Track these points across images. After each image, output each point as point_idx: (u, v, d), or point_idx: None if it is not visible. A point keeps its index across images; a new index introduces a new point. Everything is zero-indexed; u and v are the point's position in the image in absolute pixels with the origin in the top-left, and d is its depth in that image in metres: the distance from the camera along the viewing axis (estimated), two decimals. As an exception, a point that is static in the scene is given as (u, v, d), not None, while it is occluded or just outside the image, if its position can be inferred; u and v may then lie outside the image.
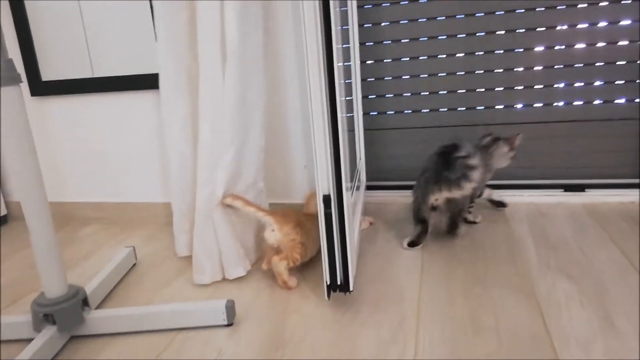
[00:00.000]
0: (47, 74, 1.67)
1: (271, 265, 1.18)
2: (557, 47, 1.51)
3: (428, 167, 1.30)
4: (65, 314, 0.98)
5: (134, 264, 1.38)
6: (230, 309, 1.03)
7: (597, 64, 1.50)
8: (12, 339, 1.02)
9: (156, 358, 0.94)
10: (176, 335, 1.02)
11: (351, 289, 1.05)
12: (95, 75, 1.63)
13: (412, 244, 1.32)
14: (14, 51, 1.65)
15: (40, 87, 1.69)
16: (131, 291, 1.23)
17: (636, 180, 1.55)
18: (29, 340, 0.94)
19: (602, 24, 1.47)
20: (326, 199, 0.99)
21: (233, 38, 1.15)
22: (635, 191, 1.53)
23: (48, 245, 0.97)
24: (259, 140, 1.28)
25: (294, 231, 1.17)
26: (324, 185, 0.99)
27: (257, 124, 1.27)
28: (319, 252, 1.30)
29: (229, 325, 1.03)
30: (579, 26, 1.48)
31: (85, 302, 1.03)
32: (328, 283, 1.06)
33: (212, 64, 1.17)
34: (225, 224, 1.22)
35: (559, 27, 1.49)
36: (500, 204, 1.54)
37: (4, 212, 1.80)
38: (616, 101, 1.52)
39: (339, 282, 1.05)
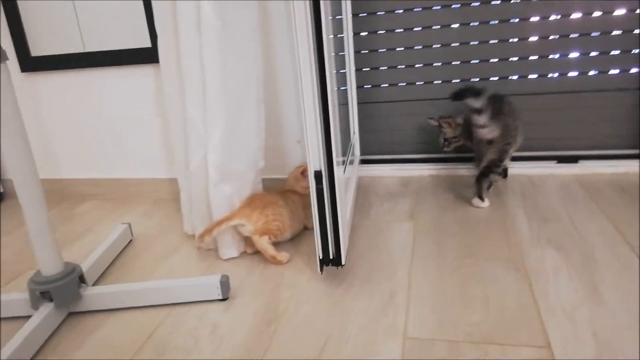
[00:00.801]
0: (37, 49, 1.64)
1: (255, 246, 1.20)
2: (552, 17, 1.49)
3: None
4: (62, 291, 0.99)
5: (130, 240, 1.39)
6: (225, 284, 1.05)
7: (593, 34, 1.48)
8: (11, 316, 1.04)
9: (152, 333, 0.97)
10: (172, 310, 1.04)
11: (343, 262, 1.06)
12: (87, 50, 1.60)
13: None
14: (1, 26, 1.62)
15: (30, 63, 1.66)
16: (128, 267, 1.25)
17: (633, 151, 1.56)
18: (27, 317, 0.96)
19: (599, -8, 1.44)
20: (317, 175, 1.00)
21: (208, 10, 1.11)
22: (627, 162, 1.53)
23: (41, 223, 0.97)
24: (256, 119, 1.25)
25: (262, 215, 1.19)
26: (315, 161, 0.99)
27: (253, 101, 1.24)
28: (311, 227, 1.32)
29: (224, 299, 1.05)
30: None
31: (82, 279, 1.05)
32: (320, 257, 1.07)
33: (189, 38, 1.15)
34: (220, 209, 1.21)
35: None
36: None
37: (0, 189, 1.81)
38: (610, 72, 1.51)
39: (331, 257, 1.07)
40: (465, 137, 1.50)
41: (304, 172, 1.31)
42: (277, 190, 1.34)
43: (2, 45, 0.90)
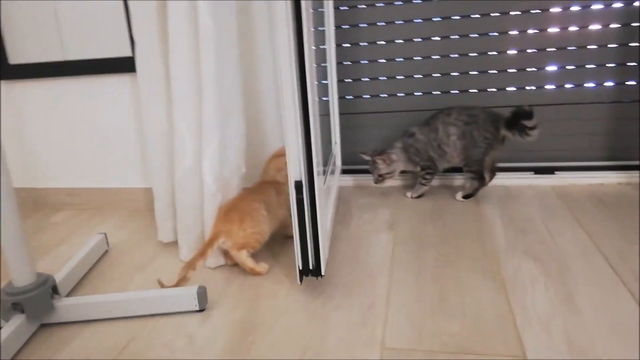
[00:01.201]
0: (16, 57, 1.62)
1: (234, 259, 1.18)
2: (530, 31, 1.52)
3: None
4: (34, 302, 0.97)
5: (106, 251, 1.37)
6: (202, 294, 1.04)
7: (569, 48, 1.52)
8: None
9: (127, 345, 0.95)
10: (148, 321, 1.02)
11: (323, 273, 1.06)
12: (67, 59, 1.58)
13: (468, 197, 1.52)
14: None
15: (8, 71, 1.63)
16: (103, 278, 1.22)
17: (608, 163, 1.60)
18: (-2, 329, 0.94)
19: (575, 8, 1.48)
20: (298, 185, 0.99)
21: (206, 21, 1.10)
22: (603, 173, 1.57)
23: (15, 233, 0.95)
24: (240, 125, 1.25)
25: (240, 230, 1.15)
26: (296, 171, 0.99)
27: (237, 107, 1.23)
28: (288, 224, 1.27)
29: (201, 311, 1.04)
30: (552, 10, 1.49)
31: (55, 290, 1.03)
32: (300, 268, 1.06)
33: (180, 44, 1.14)
34: (212, 219, 1.20)
35: (532, 11, 1.50)
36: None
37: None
38: (586, 85, 1.55)
39: (311, 267, 1.06)
40: (431, 152, 1.52)
41: None
42: (252, 188, 1.29)
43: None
